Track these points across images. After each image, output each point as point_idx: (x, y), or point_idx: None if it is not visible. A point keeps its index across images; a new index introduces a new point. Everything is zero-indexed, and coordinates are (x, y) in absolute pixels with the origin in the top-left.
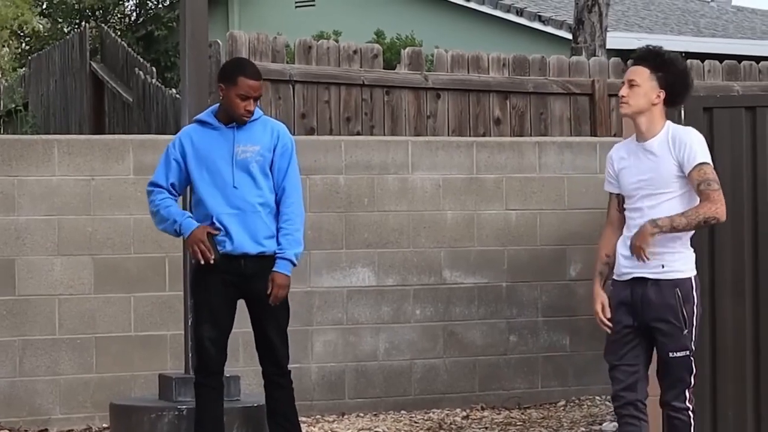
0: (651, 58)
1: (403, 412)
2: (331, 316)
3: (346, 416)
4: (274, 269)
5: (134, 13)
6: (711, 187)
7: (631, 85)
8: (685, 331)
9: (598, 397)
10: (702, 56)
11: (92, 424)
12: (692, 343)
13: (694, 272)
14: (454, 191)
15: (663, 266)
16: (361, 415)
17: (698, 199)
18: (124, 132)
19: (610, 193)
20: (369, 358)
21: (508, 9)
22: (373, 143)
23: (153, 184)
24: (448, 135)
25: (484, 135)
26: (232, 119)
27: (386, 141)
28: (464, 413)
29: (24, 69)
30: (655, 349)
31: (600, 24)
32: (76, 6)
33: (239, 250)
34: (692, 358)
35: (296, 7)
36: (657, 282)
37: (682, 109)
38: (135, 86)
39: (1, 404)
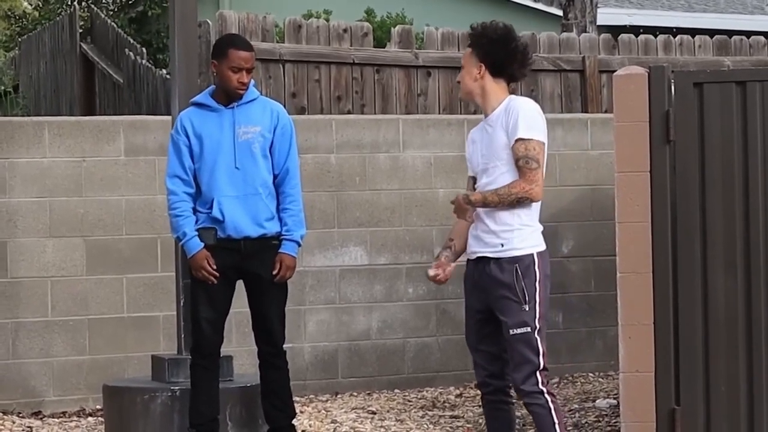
0: (470, 35)
1: (396, 390)
2: (323, 296)
3: (339, 395)
4: (281, 251)
5: None
6: (529, 165)
7: (462, 67)
8: (525, 307)
9: (591, 374)
10: (693, 31)
11: (86, 406)
12: (536, 321)
13: (538, 248)
14: (446, 169)
15: (502, 245)
16: (355, 394)
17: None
18: (114, 113)
19: (469, 177)
20: (362, 337)
21: None
22: (364, 122)
23: (171, 176)
24: (439, 113)
25: (474, 113)
26: (230, 98)
27: (377, 119)
28: (457, 391)
29: (14, 51)
30: None
31: (590, 0)
32: None
33: (241, 234)
34: (537, 338)
35: None
36: (497, 261)
37: (672, 84)
38: (125, 67)
39: None
